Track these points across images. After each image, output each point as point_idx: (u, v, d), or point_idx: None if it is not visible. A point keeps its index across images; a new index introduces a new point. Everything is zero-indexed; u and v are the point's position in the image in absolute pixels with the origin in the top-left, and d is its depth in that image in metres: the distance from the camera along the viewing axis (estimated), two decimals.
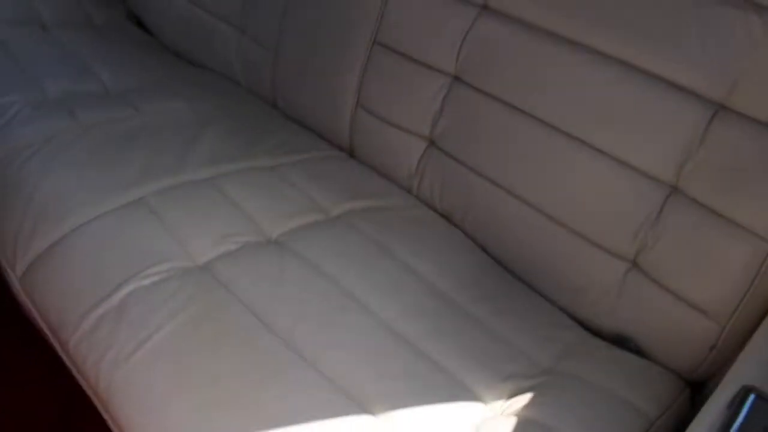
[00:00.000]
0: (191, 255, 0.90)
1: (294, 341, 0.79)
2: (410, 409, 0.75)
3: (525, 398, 0.79)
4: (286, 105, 1.28)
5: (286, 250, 0.93)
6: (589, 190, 0.91)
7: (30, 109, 1.15)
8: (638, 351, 0.89)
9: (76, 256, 0.91)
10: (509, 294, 0.96)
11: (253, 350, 0.78)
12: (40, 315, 0.90)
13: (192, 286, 0.84)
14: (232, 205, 0.99)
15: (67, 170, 1.02)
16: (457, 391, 0.78)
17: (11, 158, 1.04)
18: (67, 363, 0.85)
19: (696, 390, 0.87)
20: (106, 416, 0.80)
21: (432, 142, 1.08)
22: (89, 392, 0.82)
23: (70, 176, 1.01)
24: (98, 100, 1.22)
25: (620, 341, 0.91)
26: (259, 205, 0.99)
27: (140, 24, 1.57)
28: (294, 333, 0.80)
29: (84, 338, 0.82)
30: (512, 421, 0.75)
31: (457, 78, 1.04)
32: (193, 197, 0.99)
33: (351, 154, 1.20)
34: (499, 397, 0.79)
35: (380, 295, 0.89)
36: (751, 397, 0.58)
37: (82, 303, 0.84)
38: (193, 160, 1.06)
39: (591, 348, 0.89)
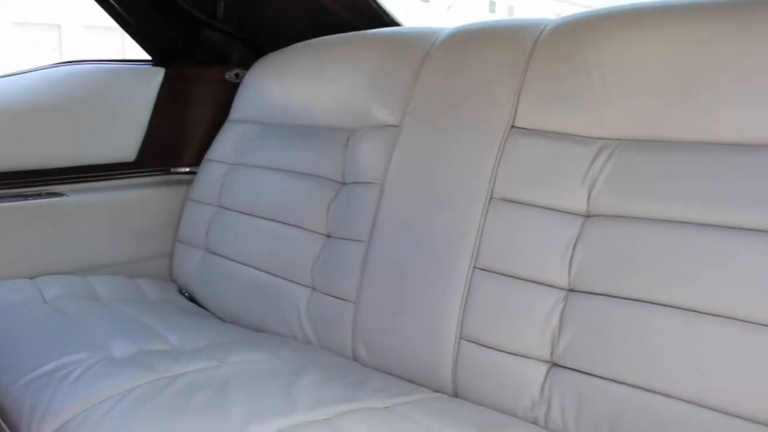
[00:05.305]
0: None
1: None
2: None
3: None
4: (370, 355, 1.29)
5: None
6: (765, 371, 0.88)
7: (102, 364, 1.14)
8: None
9: None
10: None
11: None
12: None
13: None
14: None
15: (161, 417, 0.99)
16: None
17: (87, 414, 1.01)
18: None
19: None
20: None
21: (555, 363, 1.06)
22: None
23: (166, 423, 0.97)
24: (175, 355, 1.21)
25: None
26: None
27: (192, 300, 1.70)
28: None
29: None
30: None
31: (572, 290, 1.06)
32: None
33: (455, 394, 1.17)
34: None
35: None
36: None
37: None
38: (300, 403, 1.05)
39: None
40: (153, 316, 1.45)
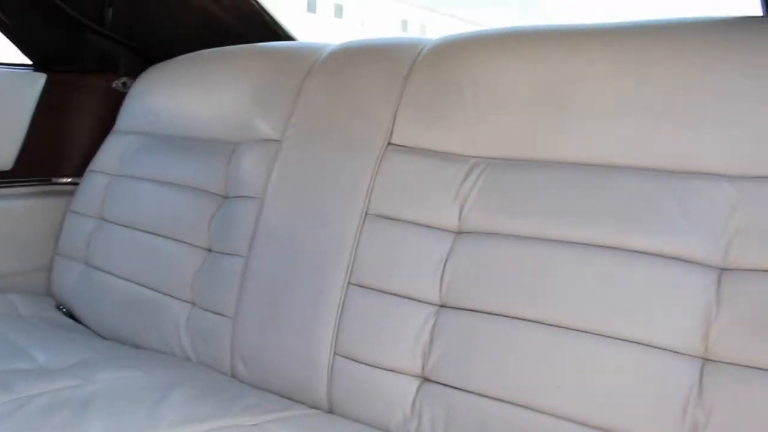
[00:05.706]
0: None
1: None
2: None
3: None
4: (249, 371, 1.26)
5: None
6: (617, 382, 0.92)
7: None
8: None
9: None
10: None
11: None
12: None
13: None
14: None
15: None
16: None
17: None
18: None
19: None
20: None
21: (426, 378, 1.08)
22: None
23: None
24: (37, 374, 1.17)
25: None
26: None
27: (71, 316, 1.63)
28: None
29: None
30: None
31: (443, 305, 1.08)
32: None
33: (330, 410, 1.19)
34: None
35: None
36: None
37: None
38: (165, 420, 1.02)
39: None
40: (23, 334, 1.38)
